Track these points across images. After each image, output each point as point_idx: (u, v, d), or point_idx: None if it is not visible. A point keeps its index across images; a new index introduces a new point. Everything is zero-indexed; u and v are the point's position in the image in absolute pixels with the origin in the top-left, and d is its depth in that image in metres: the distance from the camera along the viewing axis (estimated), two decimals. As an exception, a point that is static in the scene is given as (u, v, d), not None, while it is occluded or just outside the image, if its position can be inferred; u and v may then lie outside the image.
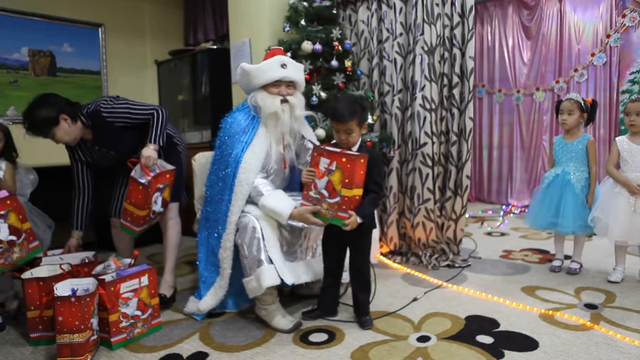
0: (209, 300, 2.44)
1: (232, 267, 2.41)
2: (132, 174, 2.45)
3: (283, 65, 2.35)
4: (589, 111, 2.98)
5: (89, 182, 2.73)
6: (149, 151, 2.48)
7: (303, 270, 2.40)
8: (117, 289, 2.17)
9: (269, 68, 2.35)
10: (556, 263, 3.12)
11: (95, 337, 2.06)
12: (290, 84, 2.41)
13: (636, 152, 2.72)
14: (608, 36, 4.94)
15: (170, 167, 2.58)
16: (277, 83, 2.35)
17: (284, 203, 2.28)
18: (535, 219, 3.08)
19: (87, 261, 2.50)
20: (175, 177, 2.68)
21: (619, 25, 4.86)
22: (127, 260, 2.43)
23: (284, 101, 2.37)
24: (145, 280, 2.30)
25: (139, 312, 2.25)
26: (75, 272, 2.31)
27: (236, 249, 2.36)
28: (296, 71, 2.43)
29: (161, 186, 2.48)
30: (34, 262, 2.40)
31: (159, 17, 4.97)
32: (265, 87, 2.36)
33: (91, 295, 2.03)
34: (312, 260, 2.48)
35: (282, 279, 2.23)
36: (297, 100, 2.43)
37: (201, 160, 2.75)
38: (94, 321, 2.06)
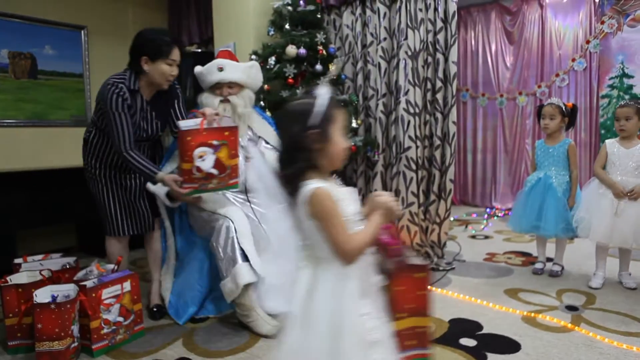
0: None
1: (211, 267, 2.45)
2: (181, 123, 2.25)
3: (219, 69, 2.45)
4: (569, 115, 3.03)
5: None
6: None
7: (276, 271, 2.36)
8: (98, 295, 2.14)
9: (208, 72, 2.48)
10: (538, 265, 3.16)
11: (75, 344, 2.04)
12: (234, 84, 2.49)
13: (624, 156, 2.77)
14: (588, 42, 5.03)
15: (231, 124, 2.26)
16: (218, 85, 2.47)
17: (158, 189, 2.33)
18: (519, 223, 3.11)
19: (68, 267, 2.46)
20: None
21: (598, 31, 4.96)
22: (110, 266, 2.40)
23: (225, 101, 2.48)
24: (127, 285, 2.27)
25: (121, 319, 2.22)
26: (55, 278, 2.28)
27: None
28: (235, 72, 2.49)
29: (215, 143, 2.13)
30: (13, 268, 2.36)
31: (143, 20, 4.92)
32: (211, 88, 2.48)
33: (72, 301, 2.00)
34: (286, 262, 2.46)
35: (257, 275, 2.24)
36: (240, 99, 2.50)
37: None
38: (75, 328, 2.03)
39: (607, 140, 2.90)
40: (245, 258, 2.25)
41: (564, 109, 3.00)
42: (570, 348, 2.05)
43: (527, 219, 3.03)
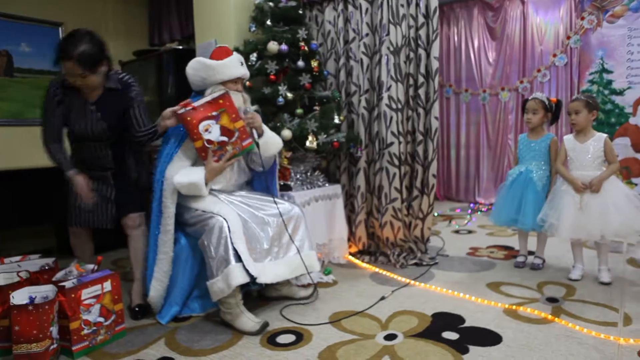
0: (152, 292, 2.44)
1: (196, 265, 2.44)
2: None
3: (242, 64, 2.51)
4: (553, 110, 3.05)
5: (61, 137, 2.54)
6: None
7: (267, 271, 2.37)
8: (78, 296, 2.11)
9: (233, 65, 2.45)
10: (520, 259, 3.19)
11: (55, 345, 2.00)
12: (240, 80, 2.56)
13: (580, 151, 2.80)
14: (568, 37, 5.09)
15: (217, 93, 2.36)
16: (236, 80, 2.48)
17: (194, 173, 2.36)
18: (499, 216, 3.15)
19: (47, 268, 2.41)
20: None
21: (578, 27, 5.02)
22: (90, 266, 2.37)
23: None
24: (107, 285, 2.24)
25: (101, 319, 2.19)
26: (34, 279, 2.24)
27: (194, 246, 2.38)
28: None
29: (214, 113, 2.30)
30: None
31: (123, 16, 4.86)
32: (224, 83, 2.45)
33: (50, 302, 1.97)
34: (277, 262, 2.46)
35: (250, 276, 2.23)
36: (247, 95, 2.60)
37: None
38: (54, 329, 1.99)
39: (565, 137, 2.92)
40: (239, 258, 2.23)
41: (547, 104, 3.03)
42: (550, 339, 2.08)
43: (507, 212, 3.06)
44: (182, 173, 2.37)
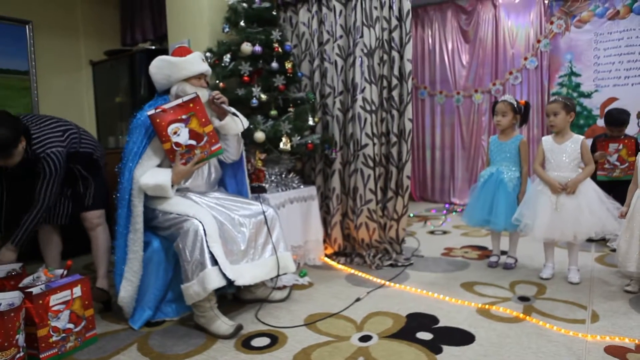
0: (123, 293, 2.40)
1: (169, 269, 2.42)
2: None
3: (203, 60, 2.52)
4: (522, 112, 3.11)
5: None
6: None
7: (244, 273, 2.36)
8: (46, 302, 2.06)
9: (195, 61, 2.47)
10: (493, 259, 3.25)
11: (21, 354, 1.94)
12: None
13: (558, 152, 2.85)
14: (539, 41, 5.21)
15: (188, 97, 2.36)
16: (199, 76, 2.50)
17: (160, 175, 2.36)
18: (471, 217, 3.20)
19: (13, 273, 2.34)
20: (100, 186, 2.74)
21: (547, 31, 5.14)
22: (59, 271, 2.31)
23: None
24: (77, 291, 2.19)
25: (71, 325, 2.14)
26: (0, 285, 2.17)
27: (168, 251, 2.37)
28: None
29: (184, 117, 2.32)
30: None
31: (94, 15, 4.75)
32: (188, 79, 2.45)
33: (16, 309, 1.90)
34: (253, 264, 2.45)
35: (226, 279, 2.21)
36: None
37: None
38: (20, 337, 1.93)
39: (543, 138, 2.97)
40: (214, 262, 2.21)
41: (515, 105, 3.08)
42: (521, 337, 2.12)
43: (479, 213, 3.11)
44: (148, 174, 2.36)
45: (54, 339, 2.07)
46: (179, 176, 2.37)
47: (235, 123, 2.56)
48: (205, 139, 2.37)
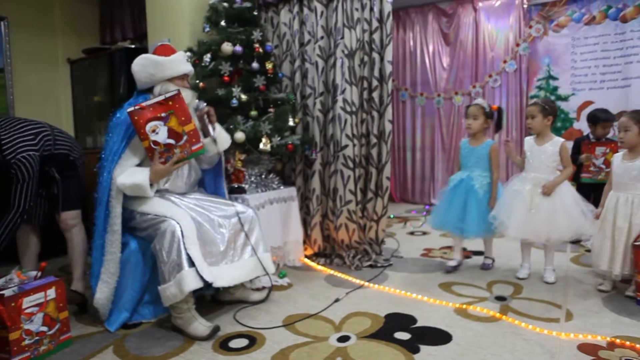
0: (99, 295, 2.37)
1: (147, 270, 2.39)
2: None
3: (187, 60, 2.52)
4: (493, 117, 3.07)
5: None
6: None
7: (223, 275, 2.35)
8: (18, 304, 2.01)
9: (180, 61, 2.46)
10: (452, 263, 3.17)
11: (-8, 358, 1.90)
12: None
13: (537, 153, 2.89)
14: (518, 45, 5.30)
15: (169, 94, 2.32)
16: (182, 76, 2.48)
17: (138, 174, 2.33)
18: (442, 222, 3.12)
19: (-15, 276, 2.30)
20: (76, 187, 2.71)
21: (526, 35, 5.23)
22: (33, 273, 2.26)
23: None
24: (52, 293, 2.15)
25: (44, 328, 2.10)
26: (-30, 288, 2.11)
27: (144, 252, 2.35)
28: None
29: (163, 114, 2.28)
30: None
31: (72, 12, 4.67)
32: (172, 79, 2.44)
33: (-14, 313, 1.86)
34: (232, 265, 2.44)
35: (204, 281, 2.19)
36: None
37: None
38: (-10, 341, 1.89)
39: (526, 138, 3.01)
40: (192, 264, 2.19)
41: (487, 110, 3.04)
42: (498, 336, 2.15)
43: (449, 218, 3.04)
44: (126, 173, 2.32)
45: (27, 342, 2.02)
46: (157, 175, 2.33)
47: (215, 145, 2.54)
48: (184, 138, 2.31)
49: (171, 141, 2.30)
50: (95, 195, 2.43)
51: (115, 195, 2.32)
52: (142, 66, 2.41)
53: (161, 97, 2.30)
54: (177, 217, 2.27)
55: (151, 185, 2.34)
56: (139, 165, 2.40)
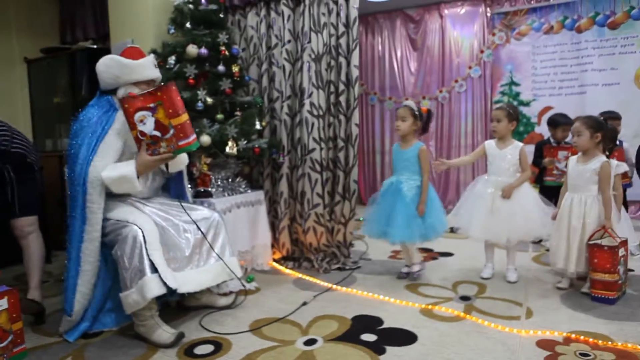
0: (77, 308, 2.29)
1: (111, 280, 2.31)
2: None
3: (155, 65, 2.46)
4: (422, 119, 2.97)
5: None
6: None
7: (188, 280, 2.31)
8: (-32, 316, 1.92)
9: (148, 66, 2.41)
10: (405, 270, 3.10)
11: (-61, 372, 1.81)
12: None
13: (498, 157, 2.96)
14: (482, 51, 5.44)
15: (161, 85, 2.31)
16: (148, 81, 2.42)
17: (123, 166, 2.26)
18: (370, 227, 3.01)
19: None
20: (34, 192, 2.62)
21: (490, 42, 5.37)
22: (-16, 283, 2.17)
23: None
24: (4, 303, 2.06)
25: (-4, 340, 2.01)
26: None
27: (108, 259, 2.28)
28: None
29: (152, 105, 2.19)
30: None
31: (28, 10, 4.51)
32: (137, 84, 2.37)
33: None
34: (198, 270, 2.40)
35: (166, 287, 2.15)
36: None
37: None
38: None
39: (486, 141, 3.08)
40: (154, 270, 2.14)
41: (416, 111, 2.95)
42: (462, 335, 2.19)
43: (377, 223, 2.95)
44: (110, 167, 2.24)
45: (-22, 355, 1.94)
46: (143, 166, 2.25)
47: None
48: (171, 131, 2.22)
49: (157, 133, 2.22)
50: (66, 202, 2.34)
51: (96, 199, 2.22)
52: (107, 67, 2.34)
53: (153, 88, 2.25)
54: (139, 222, 2.22)
55: (137, 177, 2.26)
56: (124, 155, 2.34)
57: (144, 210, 2.35)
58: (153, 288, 2.11)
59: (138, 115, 2.20)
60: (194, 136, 2.27)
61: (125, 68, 2.33)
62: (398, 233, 2.83)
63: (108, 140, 2.27)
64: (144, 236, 2.17)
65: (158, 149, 2.24)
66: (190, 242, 2.38)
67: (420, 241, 2.95)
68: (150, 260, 2.14)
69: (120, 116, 2.32)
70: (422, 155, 2.92)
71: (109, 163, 2.26)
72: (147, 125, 2.22)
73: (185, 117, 2.24)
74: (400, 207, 2.86)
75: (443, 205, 3.08)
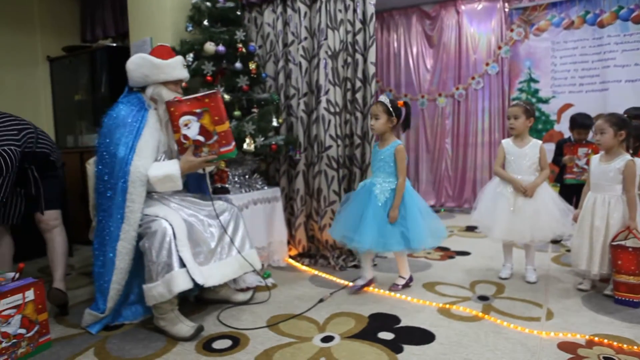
0: (110, 304, 2.32)
1: (132, 273, 2.34)
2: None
3: (184, 65, 2.48)
4: (397, 114, 2.70)
5: None
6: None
7: (213, 273, 2.34)
8: (-5, 307, 1.97)
9: (178, 66, 2.43)
10: (360, 282, 2.85)
11: (-33, 362, 1.86)
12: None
13: (518, 155, 2.91)
14: (500, 48, 5.37)
15: (208, 91, 2.31)
16: (176, 81, 2.44)
17: (169, 166, 2.31)
18: (335, 230, 2.79)
19: (-40, 278, 2.24)
20: (57, 187, 2.67)
21: (507, 38, 5.30)
22: (10, 274, 2.22)
23: None
24: (30, 294, 2.11)
25: (22, 330, 2.06)
26: (-56, 290, 2.06)
27: (139, 253, 2.29)
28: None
29: (198, 110, 2.25)
30: None
31: (51, 9, 4.60)
32: (165, 83, 2.40)
33: (-39, 315, 1.82)
34: (222, 262, 2.42)
35: (193, 282, 2.18)
36: None
37: (96, 165, 2.59)
38: (-34, 344, 1.85)
39: (503, 141, 3.02)
40: (182, 265, 2.17)
41: (390, 107, 2.67)
42: (480, 336, 2.17)
43: (342, 227, 2.72)
44: (155, 166, 2.29)
45: (4, 345, 1.98)
46: (187, 165, 2.31)
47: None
48: (214, 137, 2.28)
49: (201, 138, 2.28)
50: (98, 203, 2.35)
51: (137, 198, 2.24)
52: (138, 65, 2.37)
53: (199, 94, 2.29)
54: (169, 218, 2.25)
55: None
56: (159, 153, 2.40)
57: (171, 206, 2.38)
58: (180, 283, 2.15)
59: (183, 119, 2.26)
60: (234, 143, 2.33)
61: (155, 68, 2.36)
62: (366, 241, 2.57)
63: (144, 139, 2.30)
64: (173, 232, 2.20)
65: (199, 153, 2.31)
66: (215, 236, 2.42)
67: (402, 250, 2.69)
68: (179, 256, 2.18)
69: (152, 115, 2.36)
70: (398, 154, 2.67)
71: (149, 162, 2.29)
72: (192, 130, 2.28)
73: (228, 124, 2.30)
74: (371, 212, 2.62)
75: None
